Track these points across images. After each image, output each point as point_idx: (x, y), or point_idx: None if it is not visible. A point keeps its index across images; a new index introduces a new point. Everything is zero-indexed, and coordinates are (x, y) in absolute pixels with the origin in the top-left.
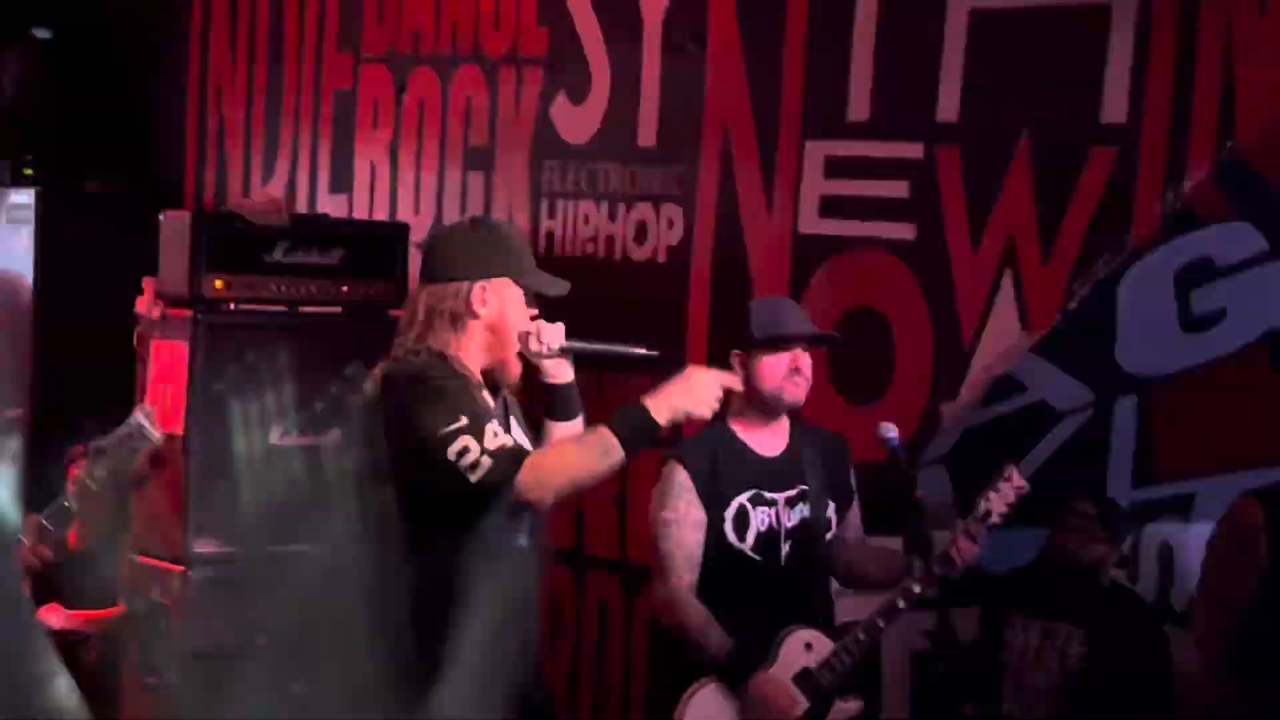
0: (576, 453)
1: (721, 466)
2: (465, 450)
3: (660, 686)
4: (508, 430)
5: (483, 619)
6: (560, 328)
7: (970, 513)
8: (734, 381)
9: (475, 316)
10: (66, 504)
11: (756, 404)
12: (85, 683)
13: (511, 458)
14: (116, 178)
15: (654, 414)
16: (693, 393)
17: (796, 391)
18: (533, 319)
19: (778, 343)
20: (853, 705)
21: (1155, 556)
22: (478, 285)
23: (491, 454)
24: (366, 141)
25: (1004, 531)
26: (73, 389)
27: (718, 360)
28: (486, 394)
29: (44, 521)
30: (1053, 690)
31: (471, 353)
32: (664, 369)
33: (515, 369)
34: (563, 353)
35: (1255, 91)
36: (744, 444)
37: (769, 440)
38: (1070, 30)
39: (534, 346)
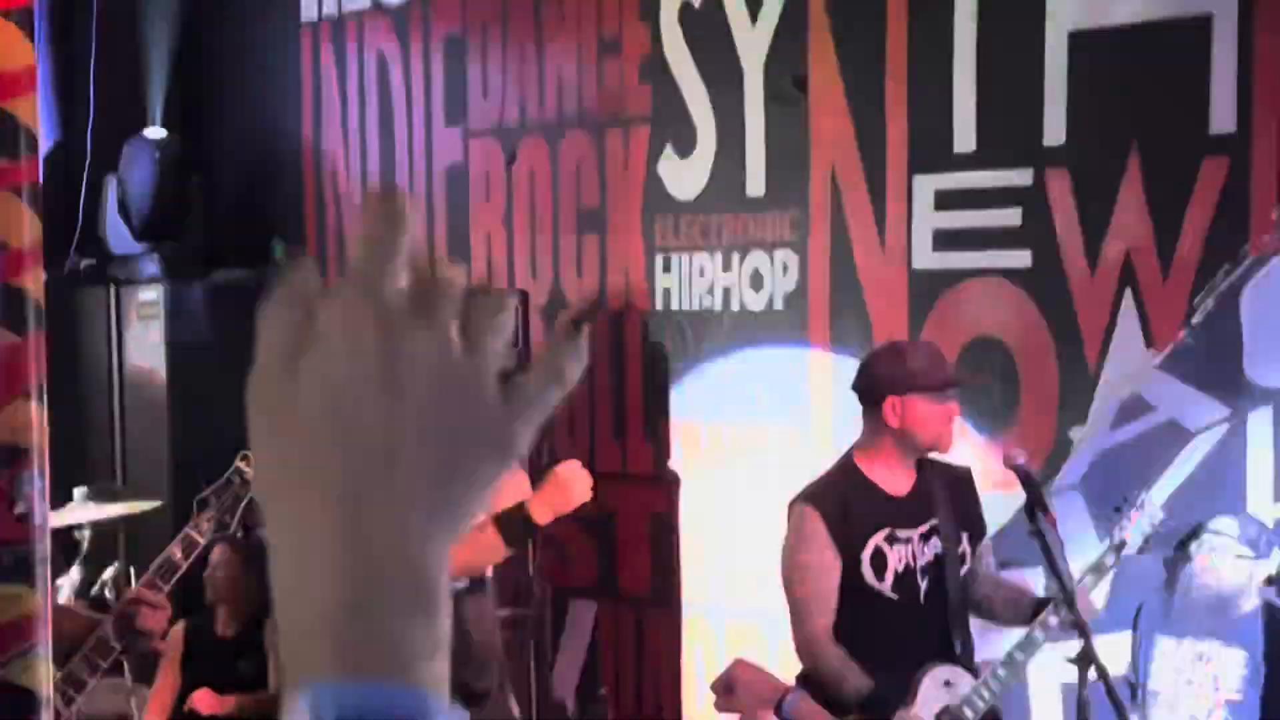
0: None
1: (853, 508)
2: None
3: None
4: None
5: None
6: None
7: (1106, 543)
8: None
9: None
10: (172, 555)
11: (906, 446)
12: None
13: None
14: (243, 267)
15: (536, 517)
16: (568, 490)
17: (951, 438)
18: None
19: (940, 390)
20: None
21: None
22: None
23: None
24: (480, 212)
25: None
26: (212, 479)
27: (847, 404)
28: None
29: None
30: (1210, 715)
31: None
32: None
33: None
34: None
35: None
36: (873, 483)
37: (898, 478)
38: (1172, 43)
39: None
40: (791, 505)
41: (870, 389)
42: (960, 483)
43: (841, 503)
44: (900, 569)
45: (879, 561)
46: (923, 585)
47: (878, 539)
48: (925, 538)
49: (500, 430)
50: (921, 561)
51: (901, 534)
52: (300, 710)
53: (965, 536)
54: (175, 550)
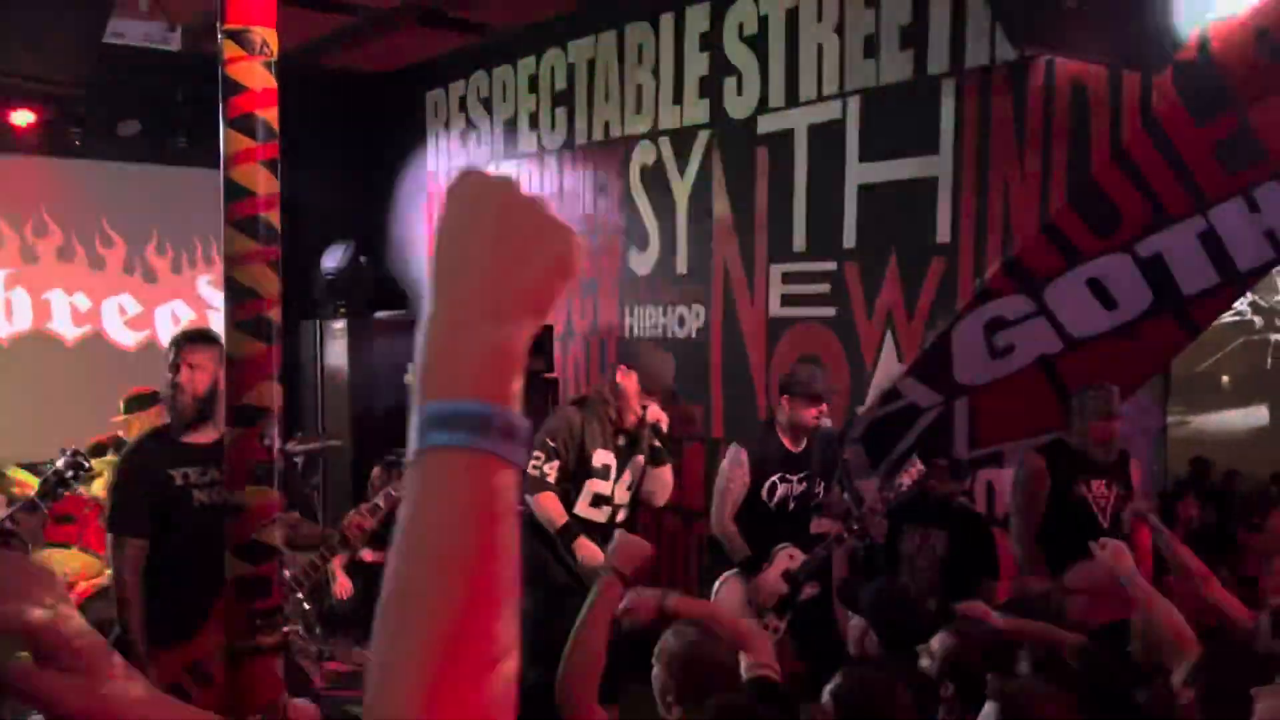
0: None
1: (766, 455)
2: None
3: (708, 574)
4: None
5: None
6: None
7: (888, 483)
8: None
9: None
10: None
11: (794, 428)
12: None
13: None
14: (396, 310)
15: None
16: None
17: (816, 423)
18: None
19: (815, 398)
20: (813, 589)
21: (984, 489)
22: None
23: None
24: None
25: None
26: (374, 440)
27: (732, 393)
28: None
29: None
30: (930, 569)
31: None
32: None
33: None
34: None
35: (1022, 219)
36: (781, 443)
37: (797, 441)
38: (917, 191)
39: None
40: (732, 444)
41: (780, 390)
42: (831, 442)
43: (761, 450)
44: (781, 495)
45: (772, 489)
46: (791, 506)
47: (774, 477)
48: (801, 480)
49: (562, 236)
50: (796, 493)
51: (789, 476)
52: (414, 422)
53: (821, 482)
54: (380, 500)
